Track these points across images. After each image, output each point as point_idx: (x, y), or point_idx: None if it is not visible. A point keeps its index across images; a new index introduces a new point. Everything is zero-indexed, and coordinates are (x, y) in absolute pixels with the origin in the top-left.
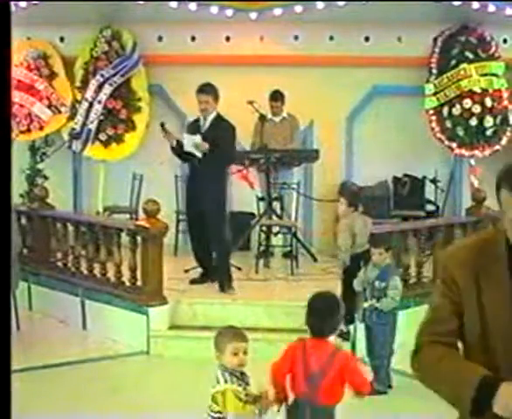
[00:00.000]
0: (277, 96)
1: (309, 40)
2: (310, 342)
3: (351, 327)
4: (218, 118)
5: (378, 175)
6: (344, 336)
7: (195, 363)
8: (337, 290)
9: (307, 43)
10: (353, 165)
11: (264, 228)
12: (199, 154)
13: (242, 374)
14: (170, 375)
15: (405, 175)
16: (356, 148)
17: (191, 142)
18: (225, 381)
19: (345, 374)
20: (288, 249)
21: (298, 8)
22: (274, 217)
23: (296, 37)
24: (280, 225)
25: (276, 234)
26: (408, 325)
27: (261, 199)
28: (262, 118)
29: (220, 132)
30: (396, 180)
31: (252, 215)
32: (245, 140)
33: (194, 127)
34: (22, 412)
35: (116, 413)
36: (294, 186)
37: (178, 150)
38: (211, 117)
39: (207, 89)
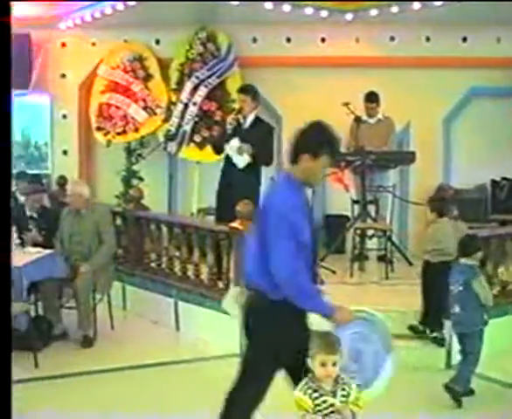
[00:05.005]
0: (372, 97)
1: (405, 41)
2: None
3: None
4: (257, 119)
5: (476, 178)
6: (440, 342)
7: None
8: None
9: (403, 44)
10: (450, 167)
11: (358, 231)
12: (241, 161)
13: (336, 380)
14: None
15: (504, 179)
16: (454, 151)
17: (234, 148)
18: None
19: None
20: (383, 252)
21: (394, 8)
22: (369, 220)
23: (392, 39)
24: (374, 228)
25: (371, 237)
26: (505, 332)
27: (356, 202)
28: (357, 119)
29: (260, 132)
30: (494, 183)
31: (347, 218)
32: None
33: (234, 127)
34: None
35: (208, 414)
36: (390, 189)
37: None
38: (250, 117)
39: (247, 89)
